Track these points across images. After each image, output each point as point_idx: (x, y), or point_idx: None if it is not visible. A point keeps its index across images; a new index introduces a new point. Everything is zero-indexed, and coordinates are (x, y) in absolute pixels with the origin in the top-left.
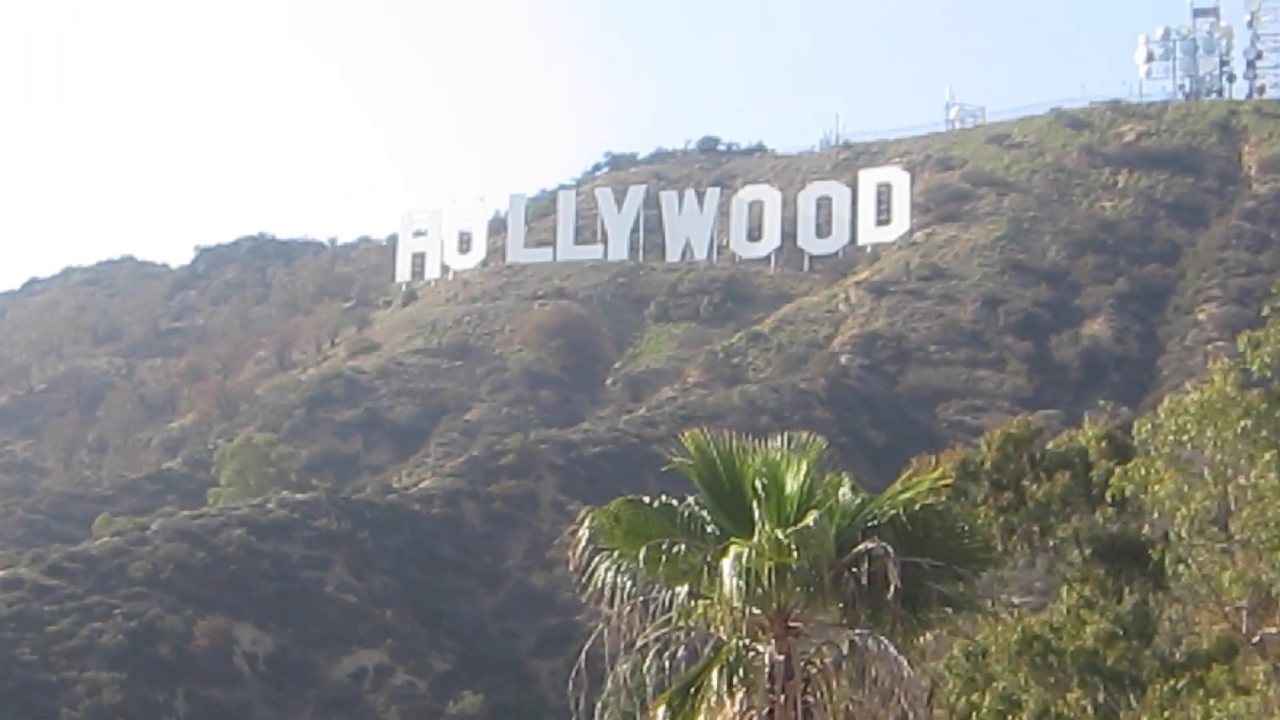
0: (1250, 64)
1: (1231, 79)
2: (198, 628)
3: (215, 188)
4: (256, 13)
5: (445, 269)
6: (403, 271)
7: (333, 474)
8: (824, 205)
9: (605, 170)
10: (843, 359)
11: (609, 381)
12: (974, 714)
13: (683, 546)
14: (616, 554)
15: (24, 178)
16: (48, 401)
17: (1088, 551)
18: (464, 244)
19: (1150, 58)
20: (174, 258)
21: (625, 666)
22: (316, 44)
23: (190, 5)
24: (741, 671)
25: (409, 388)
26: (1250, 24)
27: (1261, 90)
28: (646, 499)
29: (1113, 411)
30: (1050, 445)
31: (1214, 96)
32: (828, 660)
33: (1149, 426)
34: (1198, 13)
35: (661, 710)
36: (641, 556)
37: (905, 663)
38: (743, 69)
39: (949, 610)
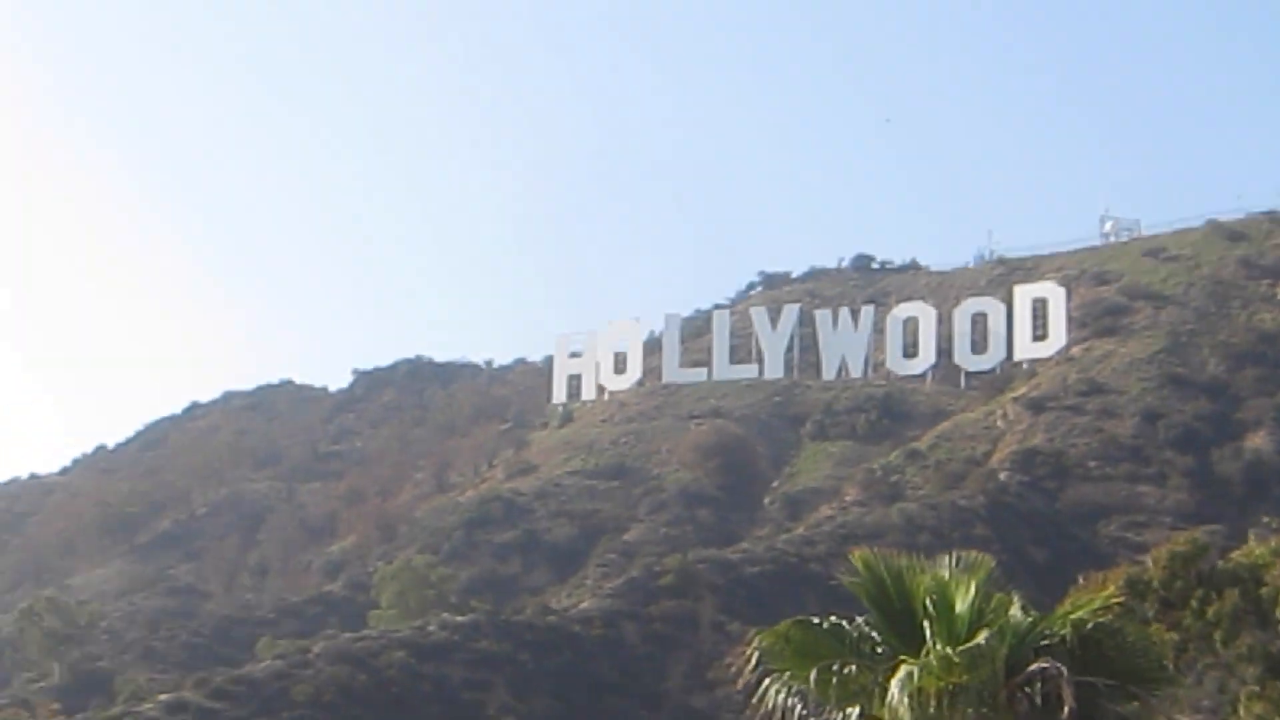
0: None
1: None
2: None
3: (372, 312)
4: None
5: (601, 390)
6: (559, 393)
7: (492, 596)
8: (979, 321)
9: (759, 289)
10: (1002, 475)
11: (767, 501)
12: None
13: (854, 667)
14: (786, 675)
15: (184, 304)
16: (209, 525)
17: (1260, 669)
18: (619, 364)
19: None
20: (332, 381)
21: None
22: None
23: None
24: None
25: (567, 509)
26: None
27: None
28: (816, 619)
29: (1278, 527)
30: (1220, 563)
31: None
32: None
33: None
34: None
35: None
36: (812, 678)
37: None
38: (896, 185)
39: None
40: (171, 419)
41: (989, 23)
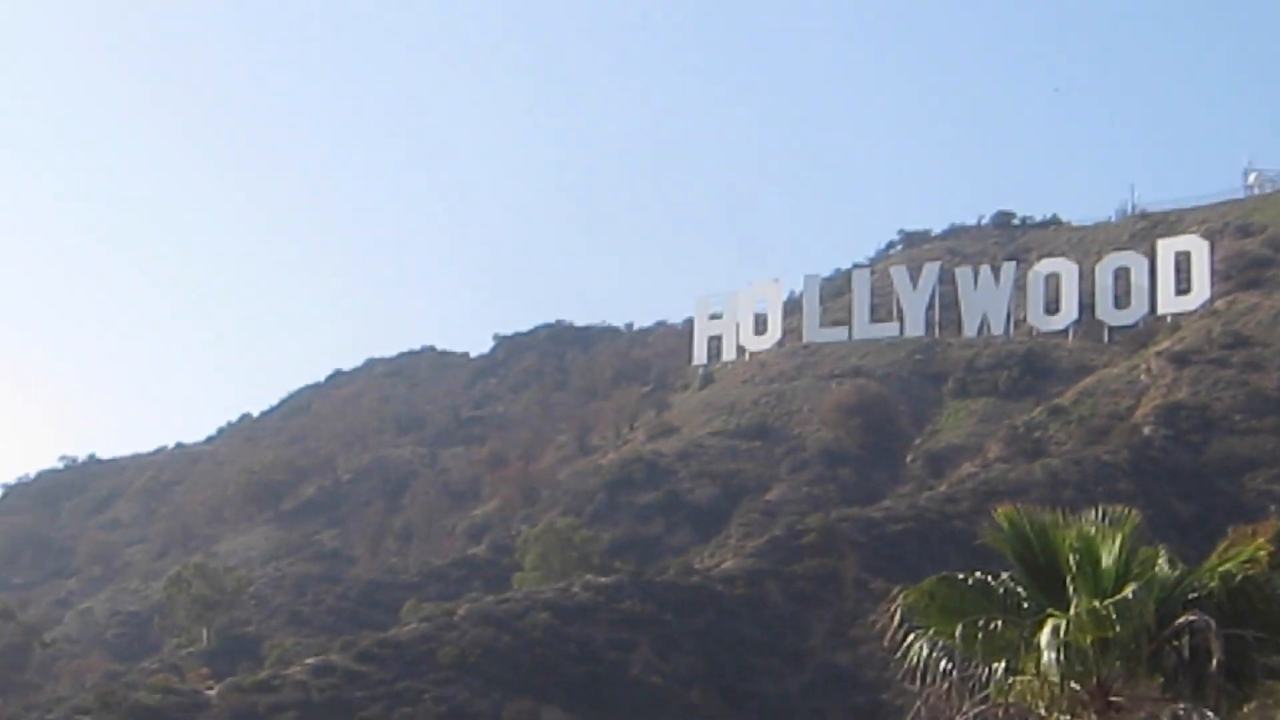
0: None
1: None
2: (506, 711)
3: (512, 278)
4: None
5: (741, 350)
6: (699, 354)
7: (635, 556)
8: (1122, 276)
9: (899, 248)
10: (1146, 430)
11: (908, 459)
12: None
13: (999, 623)
14: (931, 631)
15: (327, 273)
16: (354, 491)
17: None
18: (760, 325)
19: None
20: (474, 347)
21: None
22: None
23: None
24: None
25: (709, 469)
26: None
27: None
28: (960, 576)
29: None
30: None
31: None
32: None
33: None
34: None
35: None
36: (958, 633)
37: None
38: (1036, 140)
39: (1273, 682)
40: (315, 387)
41: None
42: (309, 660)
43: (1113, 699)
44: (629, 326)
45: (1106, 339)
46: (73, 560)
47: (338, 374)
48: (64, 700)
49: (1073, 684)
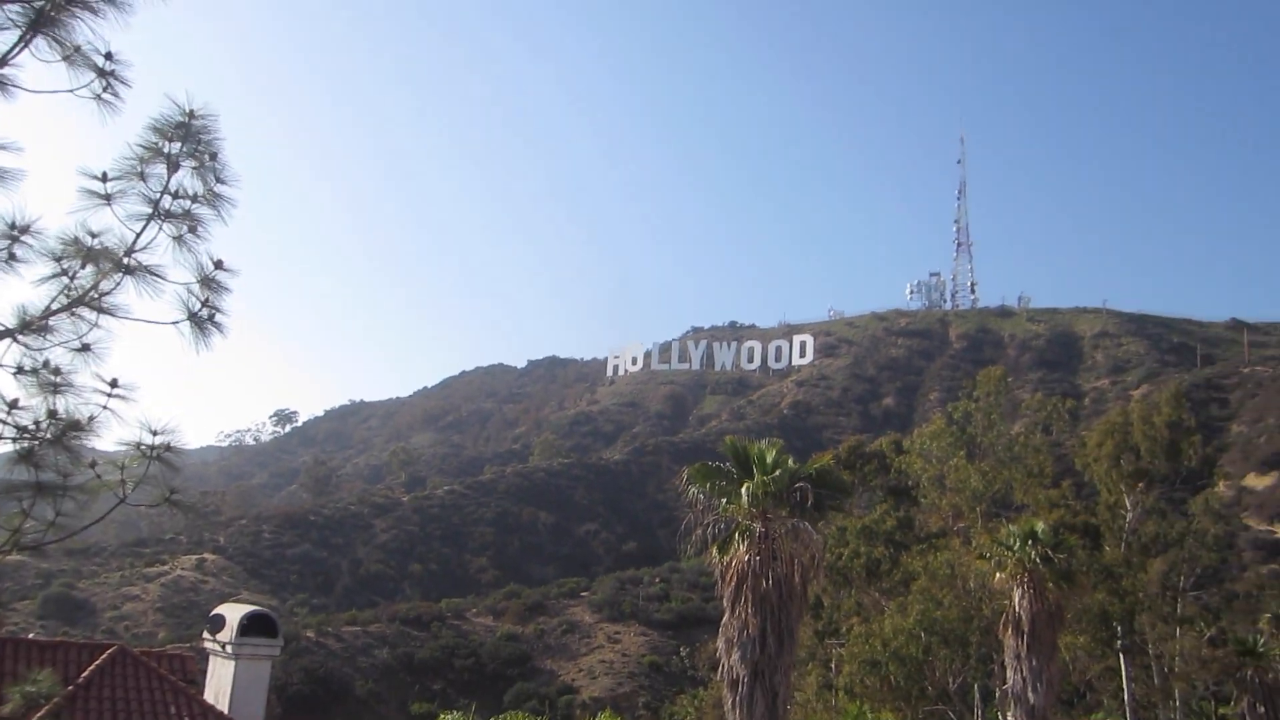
0: None
1: None
2: None
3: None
4: None
5: (626, 370)
6: (610, 371)
7: (580, 453)
8: (773, 351)
9: (691, 329)
10: (785, 411)
11: (690, 419)
12: (842, 553)
13: (725, 481)
14: (696, 484)
15: None
16: None
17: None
18: (633, 361)
19: None
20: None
21: (699, 531)
22: None
23: None
24: (747, 533)
25: (613, 419)
26: None
27: None
28: (711, 463)
29: None
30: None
31: None
32: (782, 529)
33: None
34: None
35: (715, 549)
36: (707, 486)
37: (813, 530)
38: (758, 271)
39: (833, 511)
40: None
41: None
42: None
43: (768, 516)
44: (584, 358)
45: (770, 374)
46: None
47: None
48: None
49: (753, 509)
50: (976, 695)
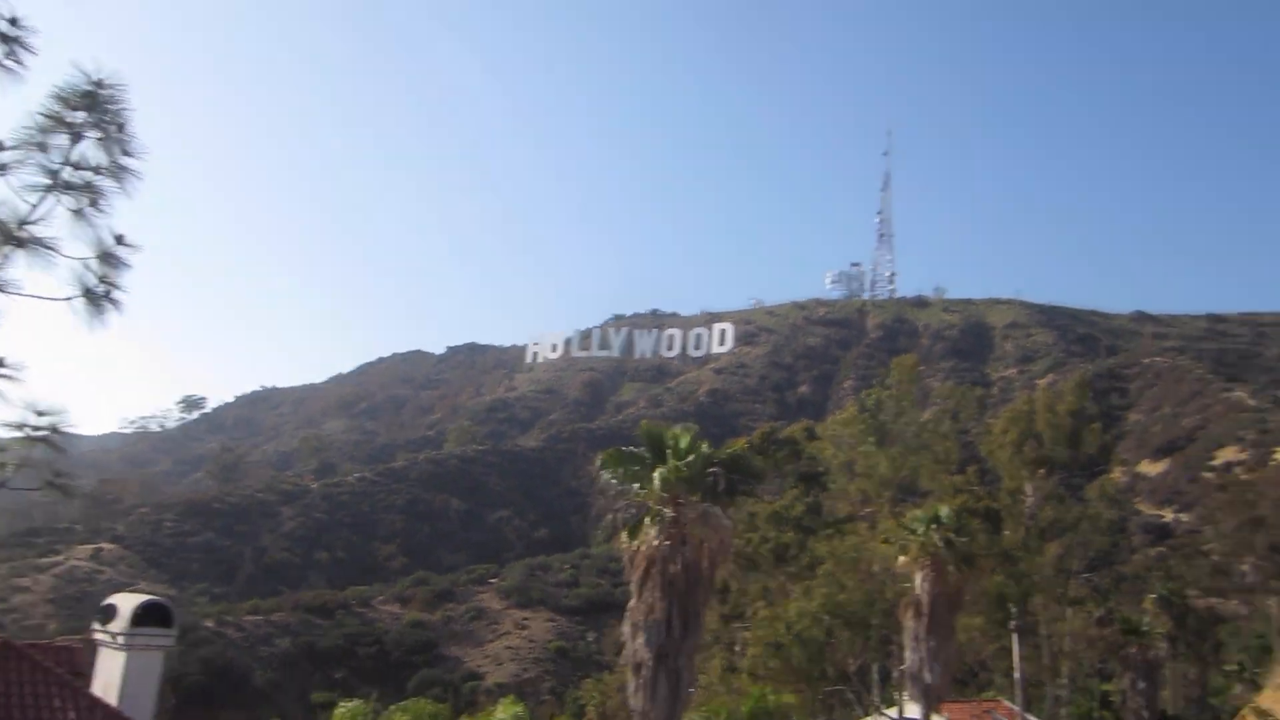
0: None
1: None
2: None
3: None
4: None
5: (544, 357)
6: (529, 358)
7: (494, 439)
8: (694, 339)
9: (612, 317)
10: (702, 398)
11: (607, 406)
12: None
13: (638, 466)
14: (610, 469)
15: None
16: None
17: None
18: (553, 349)
19: None
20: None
21: (610, 516)
22: None
23: None
24: (658, 518)
25: (528, 405)
26: None
27: None
28: (624, 448)
29: None
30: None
31: None
32: (693, 514)
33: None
34: None
35: (625, 534)
36: (619, 471)
37: (722, 514)
38: (671, 257)
39: (743, 495)
40: None
41: None
42: None
43: (679, 501)
44: (504, 345)
45: (690, 362)
46: None
47: None
48: None
49: (665, 494)
50: (875, 676)
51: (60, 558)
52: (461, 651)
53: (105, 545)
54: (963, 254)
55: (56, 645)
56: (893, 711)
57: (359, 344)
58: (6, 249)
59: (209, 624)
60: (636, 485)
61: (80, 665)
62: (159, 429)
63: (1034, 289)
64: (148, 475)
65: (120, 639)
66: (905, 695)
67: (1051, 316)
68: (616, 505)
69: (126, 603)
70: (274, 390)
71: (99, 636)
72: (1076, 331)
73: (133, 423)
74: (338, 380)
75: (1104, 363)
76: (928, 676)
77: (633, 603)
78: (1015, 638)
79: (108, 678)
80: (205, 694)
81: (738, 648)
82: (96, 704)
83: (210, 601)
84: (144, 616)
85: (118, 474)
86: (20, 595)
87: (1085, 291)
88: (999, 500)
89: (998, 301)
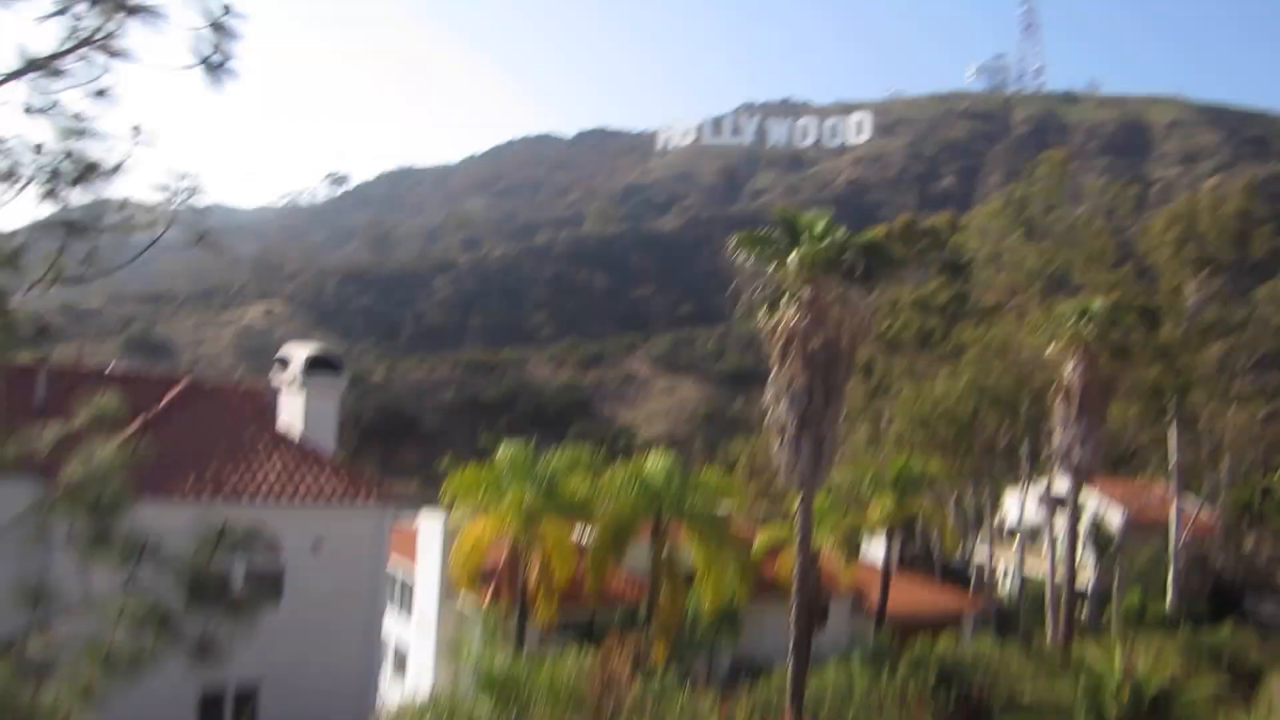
0: None
1: None
2: None
3: None
4: None
5: (675, 146)
6: (660, 143)
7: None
8: (816, 127)
9: (743, 104)
10: (841, 187)
11: (745, 191)
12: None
13: (775, 248)
14: (747, 249)
15: None
16: None
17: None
18: (685, 135)
19: None
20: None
21: (746, 294)
22: None
23: None
24: (797, 296)
25: (665, 190)
26: None
27: None
28: (760, 230)
29: None
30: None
31: None
32: (830, 295)
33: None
34: None
35: (764, 310)
36: (757, 251)
37: (859, 296)
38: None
39: (882, 280)
40: None
41: None
42: None
43: (818, 283)
44: (633, 130)
45: (825, 152)
46: None
47: None
48: None
49: (801, 275)
50: (1024, 450)
51: (238, 312)
52: (614, 410)
53: (275, 306)
54: (1118, 47)
55: (243, 388)
56: (1043, 483)
57: (487, 126)
58: (119, 15)
59: (377, 377)
60: (772, 266)
61: (263, 405)
62: (307, 204)
63: (1196, 87)
64: (305, 244)
65: (297, 382)
66: (1055, 470)
67: (1218, 115)
68: (753, 285)
69: (300, 351)
70: (412, 169)
71: (279, 381)
72: (1246, 133)
73: (284, 197)
74: (472, 161)
75: (1277, 165)
76: (1077, 455)
77: (775, 373)
78: (1174, 426)
79: (290, 416)
80: (382, 433)
81: (884, 422)
82: (280, 438)
83: (377, 358)
84: (316, 363)
85: (277, 242)
86: (207, 345)
87: (1254, 90)
88: (1157, 298)
89: (1157, 99)
